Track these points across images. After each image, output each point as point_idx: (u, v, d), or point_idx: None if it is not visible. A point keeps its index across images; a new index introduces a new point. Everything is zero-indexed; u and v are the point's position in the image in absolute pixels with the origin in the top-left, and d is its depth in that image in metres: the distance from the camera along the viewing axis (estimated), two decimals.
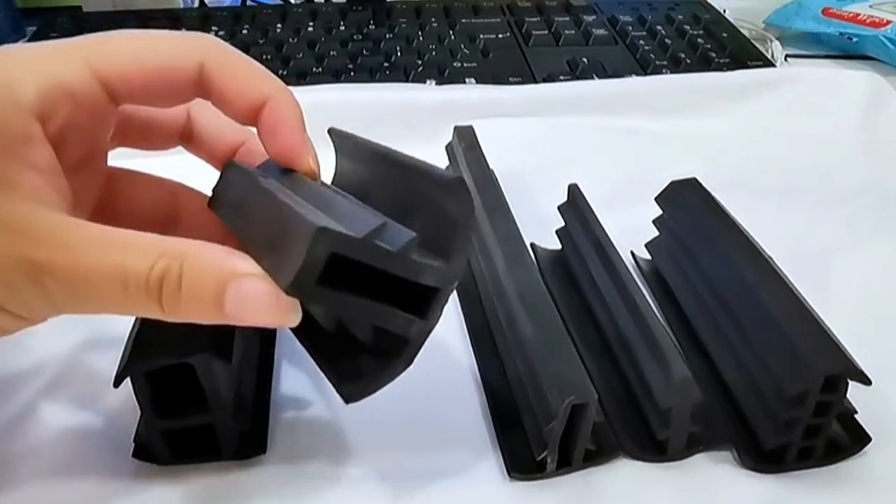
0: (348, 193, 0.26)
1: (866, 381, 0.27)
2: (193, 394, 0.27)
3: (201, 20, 0.67)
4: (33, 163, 0.22)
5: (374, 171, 0.28)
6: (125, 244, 0.22)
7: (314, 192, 0.25)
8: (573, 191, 0.39)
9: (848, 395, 0.28)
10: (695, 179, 0.38)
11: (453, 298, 0.38)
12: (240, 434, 0.29)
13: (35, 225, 0.22)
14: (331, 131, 0.31)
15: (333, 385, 0.26)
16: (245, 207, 0.26)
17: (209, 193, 0.29)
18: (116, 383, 0.26)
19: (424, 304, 0.24)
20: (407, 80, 0.58)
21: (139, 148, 0.30)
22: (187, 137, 0.30)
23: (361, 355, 0.26)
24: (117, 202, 0.29)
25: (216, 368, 0.27)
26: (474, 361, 0.34)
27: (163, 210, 0.30)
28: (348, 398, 0.25)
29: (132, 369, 0.26)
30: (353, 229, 0.21)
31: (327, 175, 0.29)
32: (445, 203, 0.24)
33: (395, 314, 0.23)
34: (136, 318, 0.28)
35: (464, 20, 0.68)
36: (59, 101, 0.23)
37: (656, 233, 0.39)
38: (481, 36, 0.65)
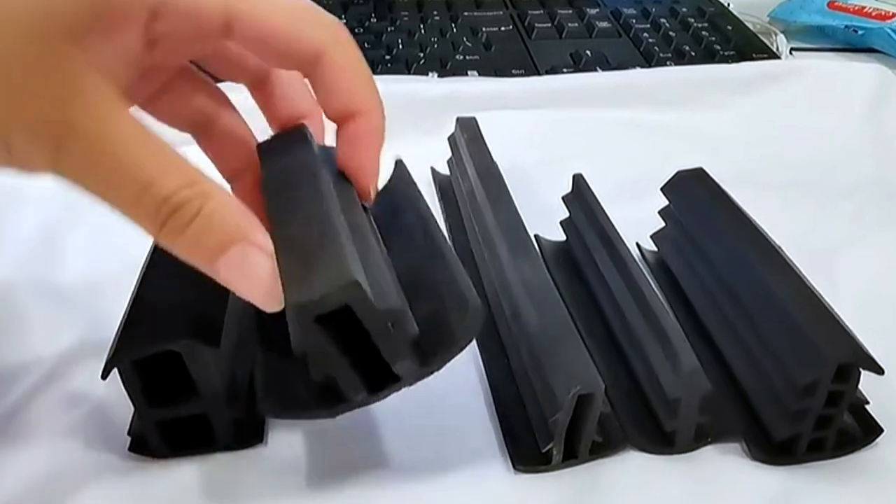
0: (379, 227, 0.27)
1: (879, 369, 0.27)
2: (186, 383, 0.26)
3: None
4: (117, 42, 0.22)
5: (408, 223, 0.29)
6: (163, 157, 0.22)
7: (358, 222, 0.25)
8: (578, 181, 0.39)
9: (859, 386, 0.28)
10: (701, 169, 0.38)
11: None
12: (236, 423, 0.28)
13: (91, 94, 0.21)
14: (397, 162, 0.32)
15: (259, 391, 0.26)
16: (292, 188, 0.25)
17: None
18: (104, 374, 0.26)
19: (382, 380, 0.24)
20: (409, 73, 0.58)
21: (207, 75, 0.29)
22: (260, 83, 0.29)
23: (300, 385, 0.25)
24: (164, 91, 0.28)
25: (205, 355, 0.26)
26: (478, 353, 0.34)
27: (200, 116, 0.29)
28: (264, 412, 0.25)
29: (118, 359, 0.26)
30: (378, 298, 0.22)
31: None
32: (452, 315, 0.24)
33: (354, 381, 0.24)
34: (126, 311, 0.28)
35: (466, 13, 0.68)
36: (180, 16, 0.23)
37: (661, 226, 0.39)
38: (483, 29, 0.64)
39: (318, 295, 0.21)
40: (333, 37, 0.26)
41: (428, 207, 0.30)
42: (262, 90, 0.29)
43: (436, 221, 0.29)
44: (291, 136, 0.28)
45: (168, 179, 0.21)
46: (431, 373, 0.24)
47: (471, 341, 0.24)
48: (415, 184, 0.31)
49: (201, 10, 0.23)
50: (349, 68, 0.26)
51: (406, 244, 0.28)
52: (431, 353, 0.24)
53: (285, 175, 0.26)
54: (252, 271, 0.22)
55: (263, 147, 0.28)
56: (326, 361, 0.23)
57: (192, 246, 0.22)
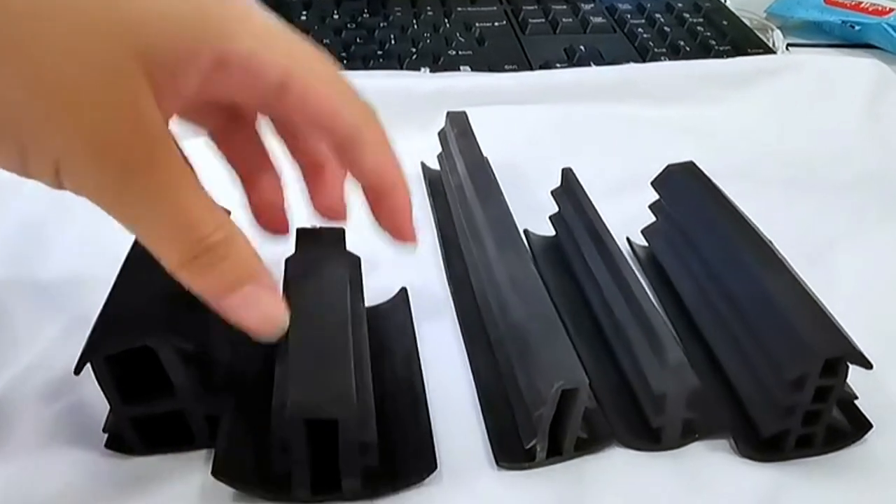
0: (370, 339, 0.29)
1: (867, 364, 0.26)
2: (161, 380, 0.26)
3: None
4: (179, 83, 0.23)
5: (392, 355, 0.32)
6: (202, 198, 0.23)
7: (360, 336, 0.28)
8: (567, 175, 0.38)
9: (848, 381, 0.27)
10: (692, 163, 0.37)
11: (443, 284, 0.37)
12: (212, 421, 0.28)
13: (156, 129, 0.22)
14: (402, 289, 0.35)
15: (217, 446, 0.27)
16: (320, 290, 0.28)
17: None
18: (77, 370, 0.25)
19: (327, 486, 0.26)
20: (401, 69, 0.57)
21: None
22: (290, 134, 0.30)
23: (251, 457, 0.27)
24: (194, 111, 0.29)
25: (180, 352, 0.26)
26: (464, 348, 0.33)
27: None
28: (213, 473, 0.26)
29: (91, 355, 0.25)
30: (362, 424, 0.25)
31: None
32: (409, 459, 0.28)
33: (304, 479, 0.26)
34: (103, 307, 0.27)
35: (459, 8, 0.67)
36: (240, 70, 0.24)
37: (653, 221, 0.38)
38: (477, 24, 0.64)
39: (320, 402, 0.24)
40: (365, 119, 0.27)
41: (415, 340, 0.33)
42: (286, 132, 0.30)
43: (419, 360, 0.32)
44: (330, 238, 0.31)
45: (206, 221, 0.23)
46: (371, 500, 0.27)
47: (414, 485, 0.27)
48: (410, 313, 0.34)
49: (261, 69, 0.24)
50: (379, 152, 0.27)
51: (388, 369, 0.31)
52: (378, 483, 0.27)
53: (316, 275, 0.29)
54: (258, 307, 0.24)
55: (301, 235, 0.31)
56: (295, 452, 0.25)
57: (211, 282, 0.24)
